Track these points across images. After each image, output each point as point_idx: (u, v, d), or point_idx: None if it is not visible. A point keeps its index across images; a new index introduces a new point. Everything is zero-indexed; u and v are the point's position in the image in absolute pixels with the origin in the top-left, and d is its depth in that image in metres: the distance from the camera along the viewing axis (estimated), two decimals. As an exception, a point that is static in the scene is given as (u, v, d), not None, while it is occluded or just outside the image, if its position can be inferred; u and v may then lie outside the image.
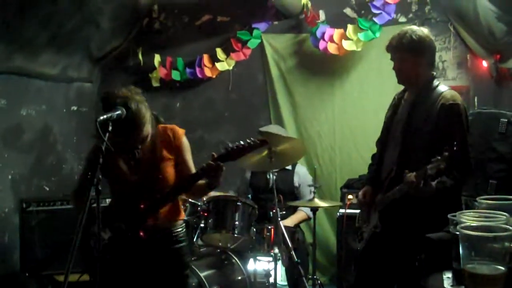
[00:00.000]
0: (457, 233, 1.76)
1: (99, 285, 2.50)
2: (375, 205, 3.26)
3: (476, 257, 1.66)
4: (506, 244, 1.62)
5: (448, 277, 2.29)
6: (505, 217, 1.79)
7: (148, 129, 2.84)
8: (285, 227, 4.06)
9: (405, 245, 2.98)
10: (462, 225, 1.73)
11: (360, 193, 3.41)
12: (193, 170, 3.04)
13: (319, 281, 4.52)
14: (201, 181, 2.95)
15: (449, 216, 2.12)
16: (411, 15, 5.49)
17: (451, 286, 2.20)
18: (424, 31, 3.13)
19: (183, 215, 3.21)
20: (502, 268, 1.69)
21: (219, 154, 2.86)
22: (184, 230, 3.15)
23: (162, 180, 2.96)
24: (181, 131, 3.07)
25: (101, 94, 2.87)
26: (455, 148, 2.56)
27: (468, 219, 1.80)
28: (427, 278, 2.42)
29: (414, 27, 3.18)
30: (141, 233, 2.89)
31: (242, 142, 2.88)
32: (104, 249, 2.72)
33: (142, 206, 2.90)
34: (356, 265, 3.45)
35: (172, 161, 3.02)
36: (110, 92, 2.78)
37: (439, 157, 2.63)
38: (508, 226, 1.69)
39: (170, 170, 3.00)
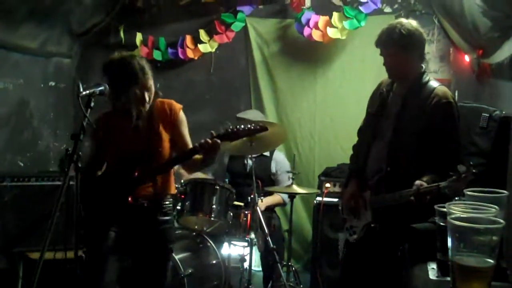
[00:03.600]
0: (443, 224, 1.74)
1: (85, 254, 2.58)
2: (364, 201, 3.15)
3: (465, 249, 1.64)
4: (495, 237, 1.61)
5: (433, 268, 2.28)
6: (495, 209, 1.77)
7: (151, 88, 3.05)
8: (261, 211, 4.06)
9: (391, 236, 2.95)
10: (453, 216, 1.71)
11: (347, 196, 3.28)
12: (190, 144, 3.16)
13: (293, 268, 4.53)
14: (197, 156, 3.06)
15: (435, 207, 2.10)
16: (396, 5, 5.50)
17: (437, 277, 2.20)
18: (413, 24, 3.03)
19: (174, 190, 3.30)
20: (491, 261, 1.68)
21: (218, 133, 2.96)
22: (171, 205, 3.23)
23: (160, 152, 3.07)
24: (178, 106, 3.21)
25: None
26: (474, 171, 2.50)
27: (457, 210, 1.78)
28: (412, 269, 2.40)
29: (403, 21, 3.07)
30: (129, 198, 2.99)
31: (243, 126, 2.99)
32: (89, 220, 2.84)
33: (136, 174, 3.00)
34: (346, 256, 3.37)
35: (168, 136, 3.12)
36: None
37: (454, 177, 2.56)
38: (498, 219, 1.68)
39: (166, 145, 3.11)
